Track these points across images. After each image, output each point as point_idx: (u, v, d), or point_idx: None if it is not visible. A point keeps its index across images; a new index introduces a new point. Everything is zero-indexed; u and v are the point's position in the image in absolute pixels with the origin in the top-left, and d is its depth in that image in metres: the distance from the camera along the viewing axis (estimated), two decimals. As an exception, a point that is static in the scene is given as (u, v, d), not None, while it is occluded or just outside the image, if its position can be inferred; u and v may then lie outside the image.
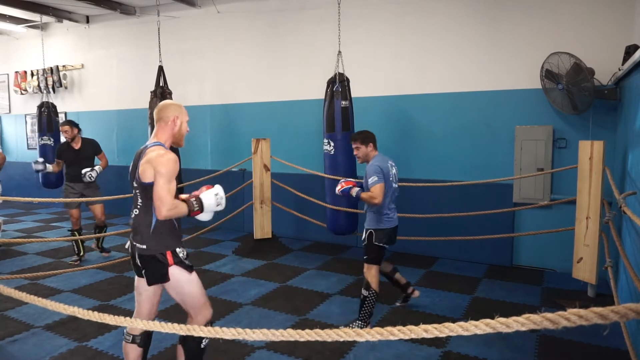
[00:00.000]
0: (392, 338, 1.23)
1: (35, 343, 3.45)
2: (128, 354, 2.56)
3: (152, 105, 6.12)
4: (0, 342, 3.47)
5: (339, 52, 5.21)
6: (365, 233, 3.66)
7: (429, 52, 5.67)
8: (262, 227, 5.98)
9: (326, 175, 5.32)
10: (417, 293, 4.09)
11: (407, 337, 1.22)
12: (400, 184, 5.53)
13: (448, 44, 5.55)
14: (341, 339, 1.28)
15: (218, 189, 2.64)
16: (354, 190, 3.56)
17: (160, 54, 6.17)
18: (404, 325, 1.25)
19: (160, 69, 6.17)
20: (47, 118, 7.41)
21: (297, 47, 6.56)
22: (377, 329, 1.25)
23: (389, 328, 1.24)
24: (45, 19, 8.05)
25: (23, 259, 5.65)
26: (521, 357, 3.23)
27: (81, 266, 5.16)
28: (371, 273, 3.63)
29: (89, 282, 4.81)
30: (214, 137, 7.41)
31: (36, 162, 5.56)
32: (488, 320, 1.12)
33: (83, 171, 5.21)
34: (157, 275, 2.43)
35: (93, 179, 5.26)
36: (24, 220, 7.96)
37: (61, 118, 8.85)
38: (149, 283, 2.47)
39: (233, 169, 6.54)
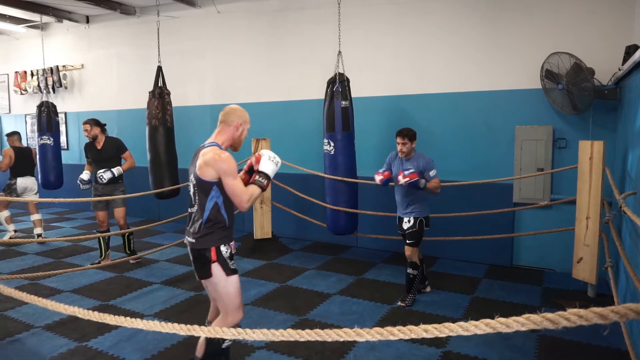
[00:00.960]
0: (392, 338, 1.23)
1: (35, 343, 3.45)
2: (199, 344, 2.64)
3: (150, 105, 6.12)
4: (0, 342, 3.47)
5: (339, 52, 5.21)
6: (414, 221, 4.11)
7: (429, 52, 5.67)
8: (262, 227, 5.98)
9: (326, 175, 5.32)
10: (429, 289, 4.52)
11: (407, 337, 1.22)
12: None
13: (448, 44, 5.55)
14: (341, 339, 1.28)
15: (267, 152, 2.63)
16: (422, 182, 3.96)
17: (159, 54, 6.17)
18: (404, 325, 1.25)
19: (159, 69, 6.16)
20: (47, 118, 7.40)
21: (297, 47, 6.56)
22: (377, 329, 1.25)
23: (389, 328, 1.24)
24: (45, 19, 8.05)
25: (23, 259, 5.66)
26: (521, 357, 3.23)
27: (82, 266, 5.16)
28: (417, 255, 4.18)
29: (89, 282, 4.81)
30: (214, 137, 7.40)
31: (82, 182, 5.26)
32: (488, 320, 1.12)
33: (97, 172, 5.12)
34: (203, 270, 2.51)
35: (104, 181, 5.06)
36: (25, 221, 7.96)
37: (61, 118, 8.87)
38: (198, 277, 2.55)
39: (233, 169, 6.53)
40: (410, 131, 4.11)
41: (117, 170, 5.18)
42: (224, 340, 2.54)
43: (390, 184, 4.26)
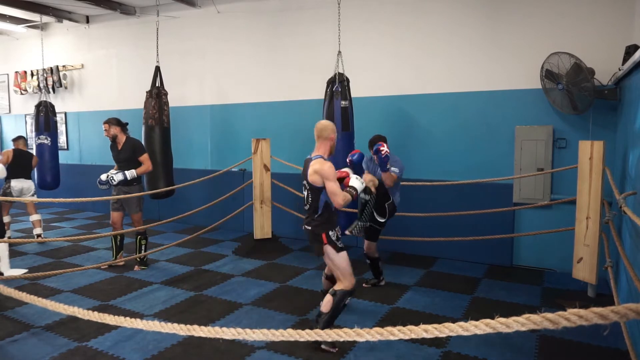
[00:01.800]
0: (392, 338, 1.23)
1: (35, 343, 3.45)
2: (324, 284, 3.85)
3: (147, 105, 6.12)
4: (0, 342, 3.47)
5: (339, 52, 5.21)
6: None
7: (429, 52, 5.67)
8: (262, 227, 5.98)
9: (326, 175, 5.31)
10: (383, 282, 4.79)
11: (407, 337, 1.22)
12: (400, 183, 5.56)
13: (448, 44, 5.55)
14: (341, 339, 1.28)
15: (353, 175, 3.40)
16: (392, 169, 4.24)
17: (157, 54, 6.17)
18: (404, 325, 1.25)
19: (157, 69, 6.16)
20: (45, 117, 7.41)
21: (297, 47, 6.56)
22: (377, 329, 1.25)
23: (389, 328, 1.24)
24: (45, 19, 8.05)
25: (23, 259, 5.65)
26: (521, 357, 3.23)
27: (82, 266, 5.15)
28: (372, 247, 4.57)
29: (89, 282, 4.81)
30: (214, 137, 7.41)
31: (100, 182, 4.98)
32: (488, 321, 1.12)
33: (109, 173, 4.99)
34: (318, 249, 3.37)
35: (114, 182, 4.90)
36: (24, 221, 7.96)
37: (61, 118, 8.87)
38: (316, 254, 3.43)
39: (233, 169, 6.54)
40: (380, 138, 4.27)
41: (129, 173, 4.99)
42: (347, 295, 3.38)
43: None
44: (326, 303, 3.34)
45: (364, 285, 4.62)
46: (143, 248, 5.27)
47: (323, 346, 3.30)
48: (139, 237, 5.24)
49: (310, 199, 3.33)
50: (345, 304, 3.44)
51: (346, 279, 3.35)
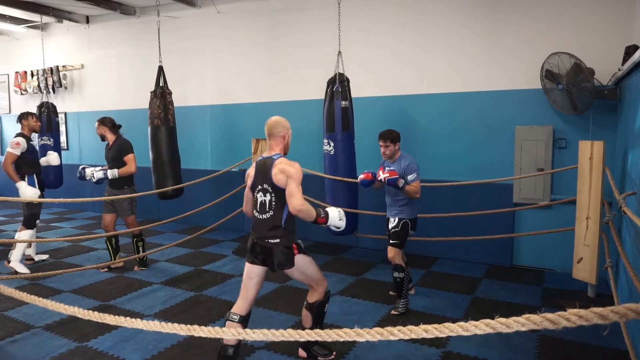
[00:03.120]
0: (392, 338, 1.23)
1: (35, 343, 3.45)
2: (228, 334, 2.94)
3: (152, 105, 6.12)
4: (0, 342, 3.47)
5: (339, 52, 5.21)
6: (399, 222, 4.00)
7: (429, 52, 5.67)
8: (262, 227, 5.96)
9: (326, 175, 5.32)
10: (413, 291, 4.44)
11: (407, 337, 1.22)
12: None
13: (448, 44, 5.55)
14: (341, 339, 1.28)
15: (341, 211, 3.08)
16: (401, 181, 3.83)
17: (160, 54, 6.17)
18: (404, 325, 1.25)
19: (160, 69, 6.16)
20: (47, 118, 7.41)
21: (297, 47, 6.56)
22: (377, 329, 1.25)
23: (389, 328, 1.24)
24: (45, 19, 8.06)
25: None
26: (521, 357, 3.23)
27: (82, 266, 5.15)
28: (399, 257, 3.97)
29: (89, 282, 4.81)
30: (214, 137, 7.41)
31: (81, 177, 5.09)
32: (488, 321, 1.12)
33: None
34: (286, 262, 2.95)
35: (94, 180, 4.97)
36: (24, 221, 7.95)
37: (61, 118, 8.87)
38: (275, 269, 2.96)
39: (233, 169, 6.54)
40: (392, 133, 4.01)
41: (111, 173, 4.93)
42: (325, 304, 3.16)
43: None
44: (306, 319, 3.15)
45: (392, 312, 4.01)
46: (140, 249, 5.24)
47: (320, 358, 3.20)
48: (135, 239, 5.23)
49: (273, 205, 2.91)
50: (325, 312, 3.20)
51: (321, 284, 3.12)
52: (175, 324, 1.54)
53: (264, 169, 2.94)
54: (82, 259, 5.66)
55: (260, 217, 2.97)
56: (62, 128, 8.98)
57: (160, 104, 6.07)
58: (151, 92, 6.15)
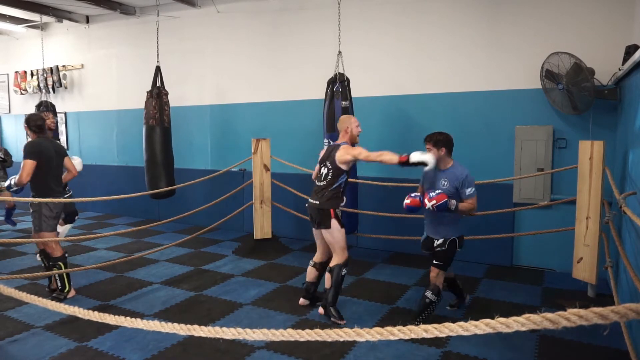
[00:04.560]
0: (392, 338, 1.23)
1: (35, 343, 3.45)
2: (309, 274, 4.13)
3: (148, 105, 6.13)
4: (0, 342, 3.47)
5: (339, 52, 5.21)
6: (444, 241, 3.61)
7: (429, 52, 5.67)
8: (262, 227, 5.98)
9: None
10: (468, 298, 4.20)
11: (407, 337, 1.22)
12: (400, 184, 5.53)
13: (448, 44, 5.55)
14: (341, 339, 1.28)
15: (424, 152, 3.44)
16: (452, 203, 3.43)
17: (158, 54, 6.17)
18: (404, 325, 1.25)
19: (158, 69, 6.16)
20: (46, 118, 7.40)
21: (297, 47, 6.56)
22: (377, 329, 1.25)
23: (389, 328, 1.24)
24: (45, 19, 8.05)
25: (23, 259, 5.65)
26: (521, 357, 3.23)
27: (82, 266, 5.15)
28: (440, 279, 3.68)
29: (89, 282, 4.81)
30: (213, 137, 7.41)
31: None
32: (488, 320, 1.12)
33: None
34: (324, 222, 3.77)
35: (3, 186, 4.61)
36: (24, 220, 7.95)
37: (61, 118, 8.86)
38: (317, 227, 3.85)
39: (233, 169, 6.54)
40: (436, 136, 3.57)
41: (13, 179, 4.19)
42: (342, 268, 3.83)
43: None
44: (327, 279, 3.84)
45: (448, 307, 4.06)
46: (56, 275, 4.27)
47: (332, 319, 3.73)
48: (49, 262, 4.27)
49: (329, 177, 3.77)
50: (343, 276, 3.83)
51: (343, 252, 3.82)
52: (175, 324, 1.54)
53: (331, 151, 3.83)
54: (82, 259, 5.66)
55: (318, 183, 3.88)
56: (62, 128, 8.98)
57: (156, 104, 6.08)
58: (147, 92, 6.16)
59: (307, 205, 3.92)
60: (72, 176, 4.59)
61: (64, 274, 4.28)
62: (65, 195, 5.01)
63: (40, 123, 4.29)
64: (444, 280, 3.76)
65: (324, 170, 3.82)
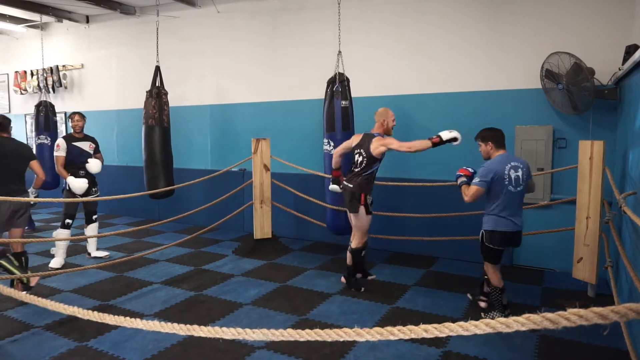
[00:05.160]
0: (392, 338, 1.23)
1: (35, 343, 3.45)
2: (348, 259, 4.51)
3: (147, 105, 6.13)
4: (0, 342, 3.47)
5: (339, 52, 5.21)
6: (481, 233, 3.84)
7: (429, 52, 5.67)
8: (262, 227, 5.98)
9: (326, 175, 5.31)
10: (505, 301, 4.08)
11: (407, 337, 1.22)
12: (400, 183, 5.53)
13: (448, 44, 5.55)
14: (341, 339, 1.28)
15: (452, 131, 3.94)
16: (460, 180, 3.82)
17: (157, 54, 6.17)
18: (404, 325, 1.25)
19: (157, 69, 6.16)
20: (45, 117, 7.42)
21: (297, 47, 6.56)
22: (377, 329, 1.25)
23: (389, 328, 1.24)
24: (45, 19, 8.05)
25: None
26: (521, 357, 3.23)
27: (82, 266, 5.15)
28: (487, 270, 3.85)
29: (89, 282, 4.81)
30: (213, 137, 7.41)
31: None
32: (488, 320, 1.12)
33: None
34: (353, 206, 4.23)
35: None
36: (24, 220, 7.95)
37: (61, 118, 8.86)
38: (348, 209, 4.32)
39: (233, 169, 6.54)
40: (485, 131, 3.85)
41: None
42: (362, 250, 4.41)
43: None
44: (349, 259, 4.46)
45: (468, 296, 4.26)
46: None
47: (352, 288, 4.45)
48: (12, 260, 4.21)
49: (364, 164, 4.18)
50: (363, 256, 4.41)
51: (362, 237, 4.34)
52: (175, 324, 1.54)
53: (366, 139, 4.22)
54: (82, 259, 5.66)
55: (352, 169, 4.29)
56: (62, 128, 8.98)
57: (155, 104, 6.08)
58: (147, 92, 6.16)
59: (341, 187, 4.39)
60: (41, 181, 4.69)
61: (13, 267, 4.13)
62: (92, 195, 5.39)
63: (1, 121, 4.56)
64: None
65: (359, 158, 4.24)
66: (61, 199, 5.24)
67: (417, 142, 3.98)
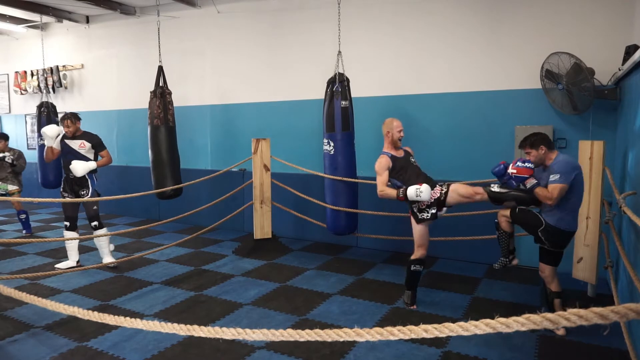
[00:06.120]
0: (392, 338, 1.23)
1: (35, 343, 3.45)
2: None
3: (152, 105, 6.12)
4: (0, 342, 3.47)
5: (339, 52, 5.21)
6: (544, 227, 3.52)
7: (429, 52, 5.67)
8: (262, 227, 5.98)
9: (326, 175, 5.32)
10: (515, 261, 4.05)
11: (407, 337, 1.22)
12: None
13: (448, 44, 5.55)
14: (341, 339, 1.28)
15: (420, 186, 3.77)
16: (529, 182, 3.36)
17: (160, 54, 6.17)
18: (404, 325, 1.25)
19: (160, 69, 6.16)
20: (47, 118, 7.41)
21: (297, 47, 6.56)
22: (377, 329, 1.25)
23: (389, 328, 1.24)
24: (45, 19, 8.05)
25: (23, 259, 5.65)
26: (521, 357, 3.23)
27: (82, 266, 5.15)
28: (548, 274, 3.65)
29: (89, 282, 4.81)
30: (214, 137, 7.41)
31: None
32: (488, 320, 1.12)
33: None
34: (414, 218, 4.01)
35: None
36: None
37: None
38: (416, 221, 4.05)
39: (233, 169, 6.54)
40: (528, 138, 3.51)
41: None
42: (413, 263, 4.06)
43: None
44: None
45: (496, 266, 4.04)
46: None
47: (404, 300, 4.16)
48: None
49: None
50: (417, 271, 4.02)
51: (418, 248, 4.00)
52: (175, 324, 1.54)
53: None
54: (82, 259, 5.64)
55: None
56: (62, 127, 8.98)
57: (160, 104, 6.07)
58: (151, 92, 6.15)
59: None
60: None
61: None
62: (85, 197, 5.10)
63: None
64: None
65: None
66: (42, 199, 5.08)
67: (389, 190, 3.92)
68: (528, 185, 3.39)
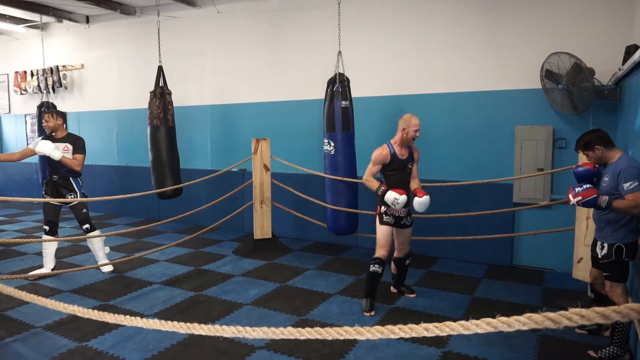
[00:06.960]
0: (392, 337, 1.23)
1: (35, 343, 3.45)
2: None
3: (152, 105, 6.12)
4: (0, 342, 3.47)
5: (339, 52, 5.21)
6: (609, 248, 3.06)
7: (429, 52, 5.67)
8: (262, 227, 5.98)
9: (326, 175, 5.32)
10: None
11: (407, 336, 1.22)
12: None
13: (448, 44, 5.55)
14: (342, 338, 1.28)
15: (400, 196, 3.84)
16: (602, 200, 2.86)
17: (160, 54, 6.17)
18: (405, 324, 1.25)
19: (160, 69, 6.16)
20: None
21: (297, 47, 6.56)
22: (378, 327, 1.25)
23: (389, 327, 1.24)
24: (45, 19, 8.05)
25: (23, 259, 5.65)
26: (521, 357, 3.23)
27: (82, 266, 5.14)
28: (617, 292, 3.04)
29: (89, 282, 4.81)
30: (214, 137, 7.41)
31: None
32: (489, 320, 1.12)
33: None
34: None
35: None
36: (24, 220, 7.96)
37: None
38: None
39: (233, 169, 6.54)
40: (581, 140, 3.15)
41: None
42: (406, 259, 4.36)
43: None
44: (393, 268, 4.44)
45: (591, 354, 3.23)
46: None
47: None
48: None
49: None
50: (376, 272, 3.98)
51: (378, 248, 4.02)
52: (175, 322, 1.54)
53: None
54: (82, 259, 5.65)
55: None
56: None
57: (159, 104, 6.07)
58: (150, 92, 6.14)
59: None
60: None
61: None
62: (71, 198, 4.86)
63: None
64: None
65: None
66: (42, 199, 4.90)
67: (373, 182, 3.98)
68: (603, 205, 2.88)
